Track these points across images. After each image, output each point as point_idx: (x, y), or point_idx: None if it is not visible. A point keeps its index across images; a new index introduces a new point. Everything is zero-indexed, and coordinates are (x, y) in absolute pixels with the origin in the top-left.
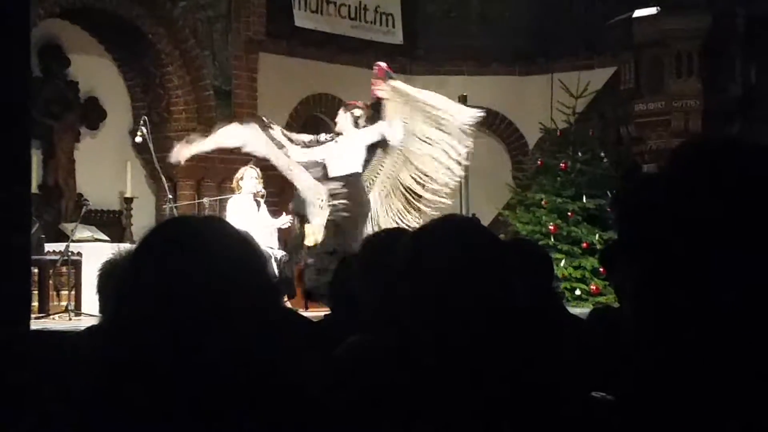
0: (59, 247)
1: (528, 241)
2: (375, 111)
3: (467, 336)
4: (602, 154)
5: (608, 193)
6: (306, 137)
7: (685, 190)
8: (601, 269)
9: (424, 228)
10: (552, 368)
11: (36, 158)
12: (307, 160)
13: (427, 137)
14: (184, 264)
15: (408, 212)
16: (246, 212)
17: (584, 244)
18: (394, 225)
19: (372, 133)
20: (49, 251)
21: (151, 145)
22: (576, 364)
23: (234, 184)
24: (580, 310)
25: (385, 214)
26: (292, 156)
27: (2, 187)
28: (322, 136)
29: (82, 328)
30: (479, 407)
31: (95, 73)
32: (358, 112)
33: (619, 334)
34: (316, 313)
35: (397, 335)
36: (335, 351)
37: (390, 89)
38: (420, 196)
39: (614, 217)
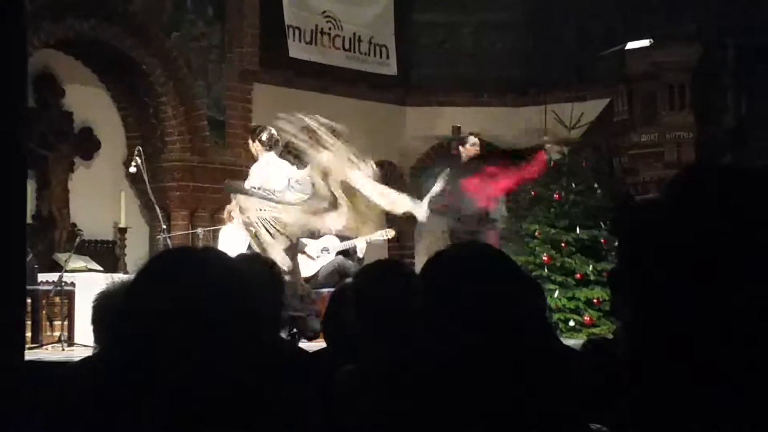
0: (53, 277)
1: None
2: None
3: (466, 365)
4: (596, 185)
5: (602, 224)
6: None
7: (684, 215)
8: (595, 300)
9: (438, 258)
10: (548, 400)
11: (30, 188)
12: None
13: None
14: (180, 295)
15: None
16: (237, 243)
17: (578, 276)
18: None
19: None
20: (42, 281)
21: (145, 176)
22: (571, 396)
23: (225, 215)
24: (574, 342)
25: None
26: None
27: None
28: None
29: (76, 359)
30: None
31: (89, 103)
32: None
33: (614, 366)
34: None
35: (391, 364)
36: (330, 380)
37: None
38: None
39: (611, 245)
